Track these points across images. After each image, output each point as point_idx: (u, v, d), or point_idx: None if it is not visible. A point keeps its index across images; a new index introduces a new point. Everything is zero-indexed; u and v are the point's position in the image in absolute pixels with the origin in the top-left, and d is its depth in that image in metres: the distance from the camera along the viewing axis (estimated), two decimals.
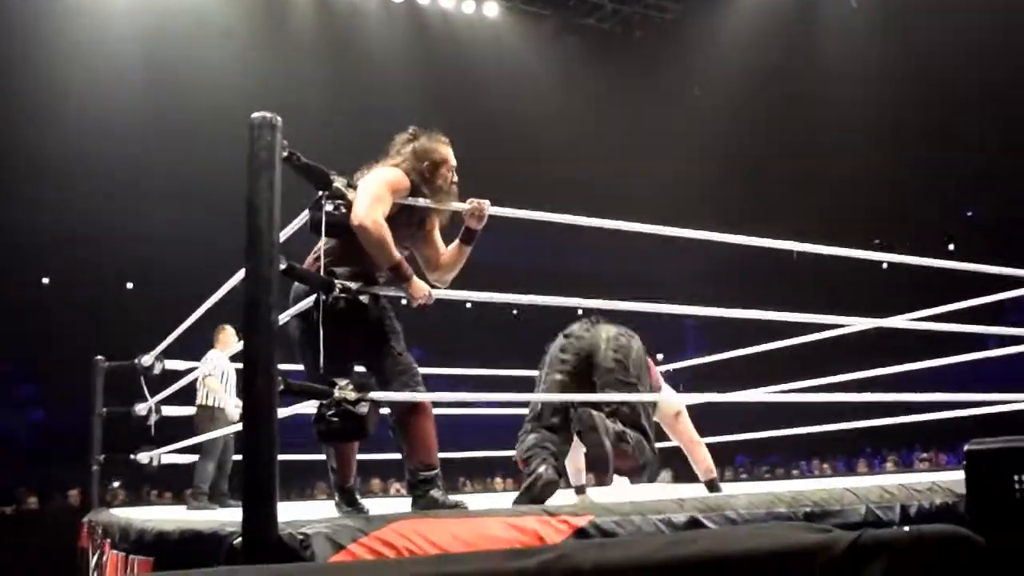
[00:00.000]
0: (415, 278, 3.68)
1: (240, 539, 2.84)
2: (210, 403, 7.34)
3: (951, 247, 15.65)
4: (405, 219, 3.86)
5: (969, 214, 19.15)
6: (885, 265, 17.09)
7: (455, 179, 3.98)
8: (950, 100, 16.44)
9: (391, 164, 3.85)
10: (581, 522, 3.16)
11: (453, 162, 3.97)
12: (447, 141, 4.00)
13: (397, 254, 3.63)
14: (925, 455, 15.01)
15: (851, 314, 5.67)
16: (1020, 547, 1.58)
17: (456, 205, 3.85)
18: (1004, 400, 5.85)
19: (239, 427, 3.13)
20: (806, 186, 18.37)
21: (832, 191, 17.93)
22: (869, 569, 1.47)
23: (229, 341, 7.49)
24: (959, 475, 5.09)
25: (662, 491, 6.13)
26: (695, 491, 4.94)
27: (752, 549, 1.51)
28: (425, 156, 3.89)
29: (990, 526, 1.59)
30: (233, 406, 7.25)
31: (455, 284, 4.18)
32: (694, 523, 3.37)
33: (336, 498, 4.20)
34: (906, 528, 1.53)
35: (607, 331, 4.70)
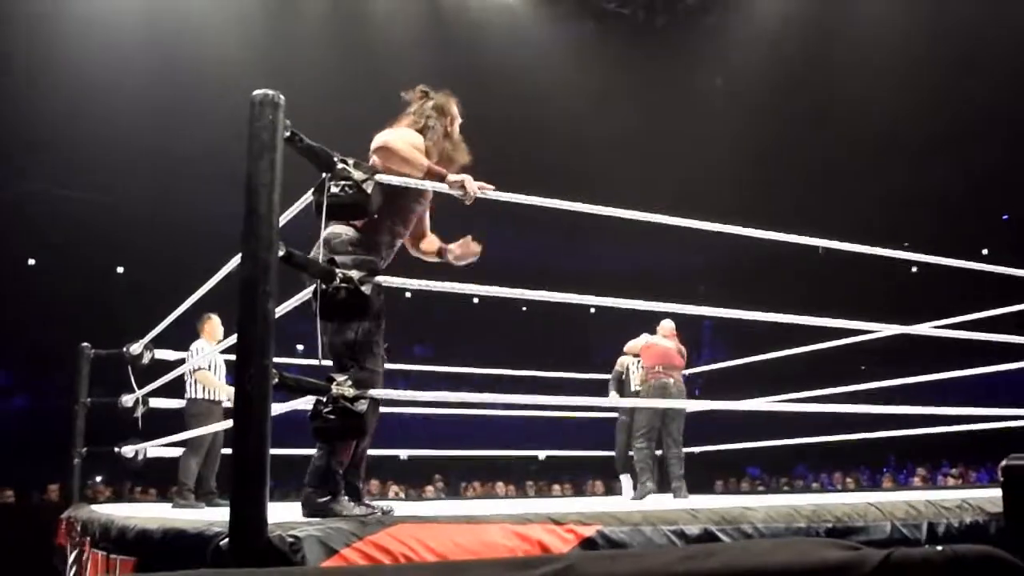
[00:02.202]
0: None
1: (227, 540, 2.82)
2: (200, 396, 7.31)
3: (984, 252, 15.61)
4: (415, 196, 4.01)
5: (1005, 218, 19.07)
6: (914, 269, 17.08)
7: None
8: (987, 98, 16.38)
9: (413, 127, 4.10)
10: (588, 531, 3.15)
11: (460, 119, 4.30)
12: (455, 98, 4.30)
13: (426, 160, 3.90)
14: (953, 470, 14.94)
15: (877, 320, 5.63)
16: None
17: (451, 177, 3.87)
18: None
19: (229, 422, 3.11)
20: (832, 185, 18.31)
21: (859, 191, 17.88)
22: None
23: (215, 332, 7.45)
24: (991, 492, 5.08)
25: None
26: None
27: (773, 565, 1.49)
28: (444, 111, 4.19)
29: None
30: (226, 399, 7.23)
31: (466, 280, 4.17)
32: (708, 536, 3.35)
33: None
34: (939, 548, 1.50)
35: None
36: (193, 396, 7.30)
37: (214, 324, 7.47)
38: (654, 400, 7.66)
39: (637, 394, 8.00)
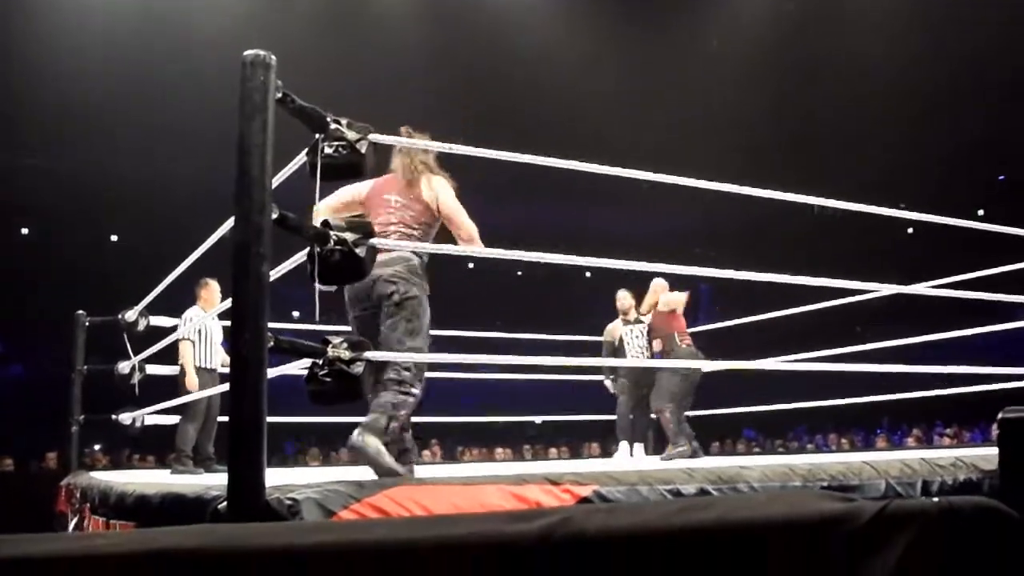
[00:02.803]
0: None
1: (225, 503, 2.83)
2: (192, 364, 7.28)
3: (980, 213, 15.59)
4: None
5: (1001, 179, 19.05)
6: (911, 230, 17.06)
7: None
8: (983, 60, 16.31)
9: (444, 177, 4.52)
10: (585, 491, 3.16)
11: None
12: None
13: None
14: (948, 430, 15.02)
15: (872, 281, 5.63)
16: None
17: None
18: None
19: (226, 387, 3.12)
20: (827, 147, 18.26)
21: (854, 153, 17.83)
22: (896, 541, 1.45)
23: (213, 298, 7.39)
24: (984, 451, 5.10)
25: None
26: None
27: (770, 517, 1.49)
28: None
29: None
30: (220, 366, 7.21)
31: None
32: (703, 495, 3.37)
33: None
34: (935, 499, 1.51)
35: None
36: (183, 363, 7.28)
37: (212, 290, 7.41)
38: (653, 361, 7.68)
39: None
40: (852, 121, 17.56)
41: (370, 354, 3.41)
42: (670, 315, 7.81)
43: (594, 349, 8.40)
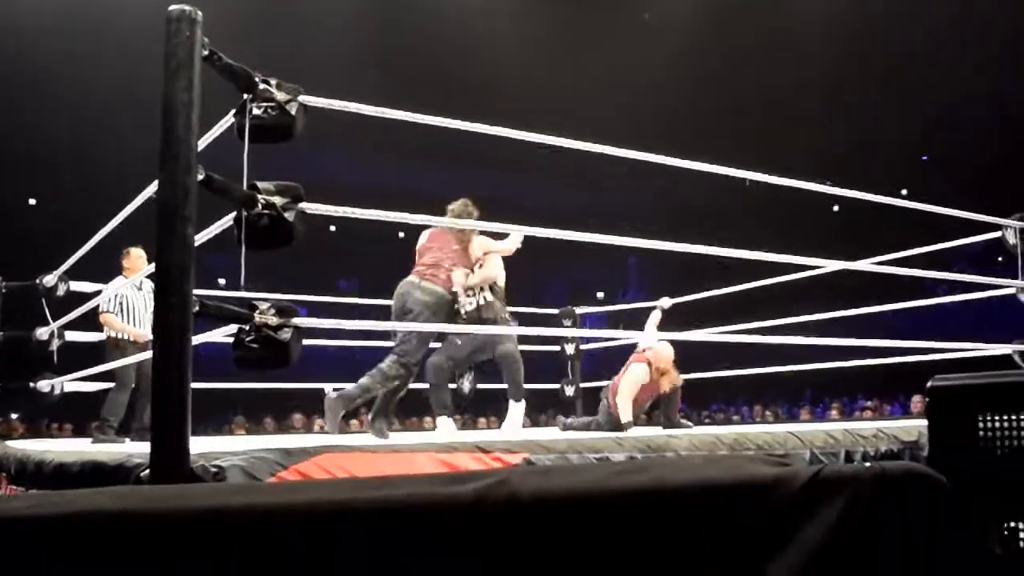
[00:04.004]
0: None
1: (147, 471, 2.77)
2: (115, 335, 7.10)
3: (904, 192, 15.90)
4: None
5: (925, 159, 19.42)
6: (836, 208, 17.33)
7: None
8: (910, 41, 16.58)
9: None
10: (515, 459, 3.16)
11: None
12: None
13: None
14: (869, 403, 15.36)
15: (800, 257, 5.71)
16: (982, 489, 1.59)
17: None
18: (960, 348, 5.94)
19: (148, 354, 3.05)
20: (755, 123, 18.43)
21: (782, 130, 18.03)
22: (830, 504, 1.46)
23: (136, 265, 7.18)
24: (905, 423, 5.22)
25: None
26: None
27: (707, 479, 1.49)
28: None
29: (952, 466, 1.59)
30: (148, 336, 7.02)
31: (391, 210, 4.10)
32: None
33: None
34: (867, 464, 1.52)
35: None
36: (110, 335, 7.11)
37: (134, 258, 7.19)
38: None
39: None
40: (781, 99, 17.73)
41: (298, 320, 3.35)
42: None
43: (520, 319, 8.39)
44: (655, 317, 7.39)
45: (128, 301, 7.06)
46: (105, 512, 1.47)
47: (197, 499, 1.54)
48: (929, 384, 1.69)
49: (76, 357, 7.08)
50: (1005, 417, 1.65)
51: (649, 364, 6.60)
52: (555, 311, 8.85)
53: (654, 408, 7.00)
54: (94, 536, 1.46)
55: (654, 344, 6.66)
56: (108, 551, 1.46)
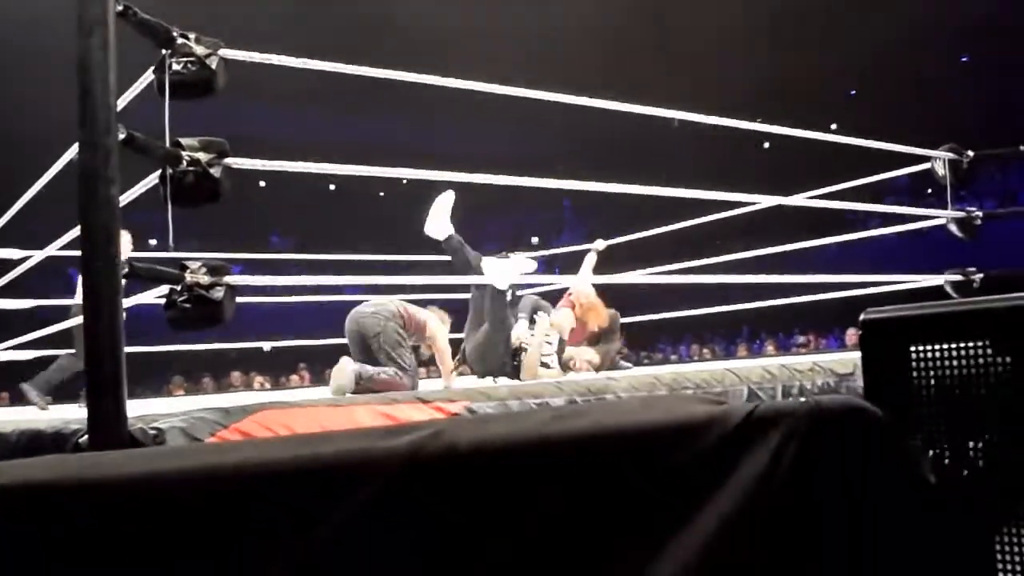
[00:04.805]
0: None
1: (85, 437, 2.73)
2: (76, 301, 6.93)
3: (833, 127, 16.08)
4: None
5: (852, 93, 19.62)
6: (766, 145, 17.45)
7: None
8: None
9: None
10: (455, 408, 3.17)
11: None
12: None
13: None
14: (804, 338, 15.63)
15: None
16: (916, 418, 1.62)
17: None
18: (893, 280, 6.03)
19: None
20: (684, 61, 18.41)
21: (711, 67, 18.04)
22: (765, 441, 1.48)
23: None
24: (839, 356, 5.31)
25: None
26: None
27: (644, 421, 1.51)
28: None
29: (887, 398, 1.62)
30: None
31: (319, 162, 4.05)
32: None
33: None
34: (802, 399, 1.54)
35: None
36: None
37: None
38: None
39: None
40: (709, 36, 17.72)
41: (230, 278, 3.31)
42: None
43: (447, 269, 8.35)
44: (590, 260, 7.39)
45: None
46: (36, 483, 1.45)
47: (126, 466, 1.52)
48: (861, 317, 1.71)
49: (8, 325, 6.93)
50: (937, 347, 1.68)
51: (573, 307, 6.62)
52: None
53: (597, 339, 6.97)
54: (26, 508, 1.44)
55: (578, 285, 6.69)
56: (40, 522, 1.44)
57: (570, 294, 6.73)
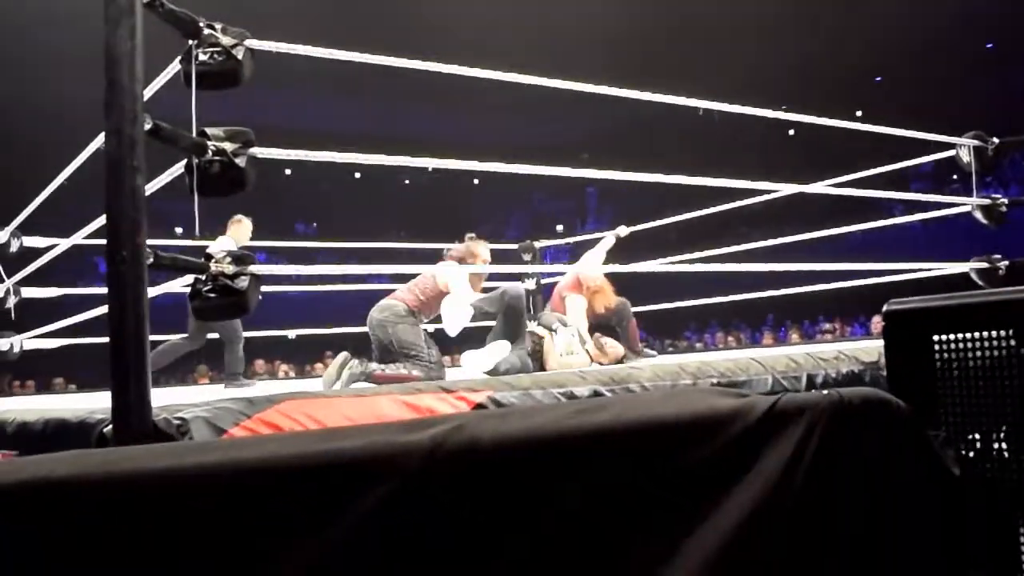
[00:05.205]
0: None
1: (110, 427, 2.75)
2: None
3: (859, 114, 15.97)
4: None
5: (878, 80, 19.46)
6: (792, 132, 17.35)
7: None
8: None
9: None
10: (479, 398, 3.17)
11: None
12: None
13: None
14: (829, 325, 15.54)
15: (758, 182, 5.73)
16: (940, 409, 1.61)
17: None
18: (919, 268, 5.99)
19: None
20: (705, 49, 18.32)
21: (735, 55, 17.94)
22: (788, 434, 1.48)
23: (240, 235, 7.11)
24: (865, 343, 5.28)
25: None
26: None
27: (665, 416, 1.50)
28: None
29: (911, 389, 1.61)
30: None
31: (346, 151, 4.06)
32: (597, 396, 3.41)
33: None
34: (825, 392, 1.53)
35: None
36: None
37: (245, 226, 7.15)
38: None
39: None
40: (735, 23, 17.61)
41: (255, 268, 3.32)
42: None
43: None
44: (606, 243, 7.29)
45: None
46: (56, 479, 1.45)
47: (149, 460, 1.53)
48: (884, 308, 1.71)
49: (34, 314, 6.98)
50: (960, 337, 1.67)
51: (581, 288, 6.59)
52: (515, 246, 8.83)
53: (597, 331, 6.92)
54: (47, 503, 1.44)
55: (583, 271, 6.65)
56: (62, 517, 1.45)
57: (577, 277, 6.69)
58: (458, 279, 5.31)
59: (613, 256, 7.29)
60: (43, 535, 1.44)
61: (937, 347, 1.65)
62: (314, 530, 1.52)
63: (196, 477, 1.47)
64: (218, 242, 7.04)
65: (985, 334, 1.63)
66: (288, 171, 16.84)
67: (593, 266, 6.66)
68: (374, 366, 5.05)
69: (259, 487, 1.50)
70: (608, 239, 7.32)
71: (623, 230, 7.45)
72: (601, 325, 6.75)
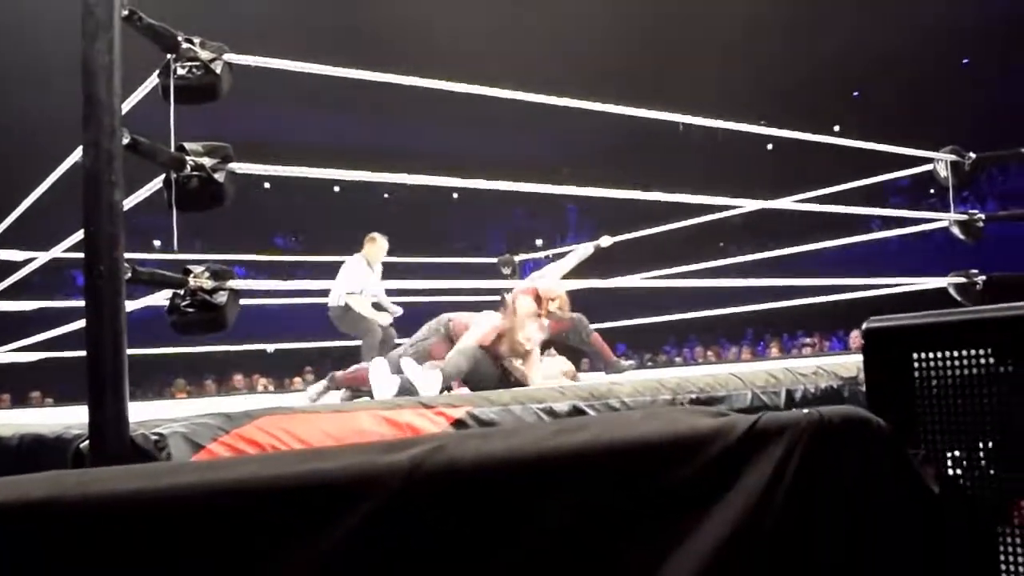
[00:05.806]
0: None
1: (87, 443, 2.72)
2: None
3: (836, 129, 16.06)
4: None
5: (856, 95, 19.61)
6: (770, 147, 17.44)
7: None
8: None
9: None
10: (458, 413, 3.15)
11: None
12: None
13: None
14: (809, 340, 15.59)
15: (737, 198, 5.75)
16: (919, 426, 1.61)
17: None
18: (897, 283, 6.02)
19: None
20: (685, 64, 18.40)
21: (714, 70, 18.03)
22: (768, 453, 1.47)
23: (375, 254, 7.07)
24: (843, 359, 5.29)
25: None
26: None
27: (645, 435, 1.50)
28: None
29: (890, 406, 1.61)
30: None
31: (325, 166, 4.05)
32: (576, 412, 3.40)
33: None
34: (805, 411, 1.53)
35: None
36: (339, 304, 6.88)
37: (376, 247, 7.12)
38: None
39: None
40: (711, 39, 17.71)
41: (233, 283, 3.30)
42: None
43: (458, 270, 8.34)
44: (582, 251, 7.15)
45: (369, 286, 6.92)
46: (32, 500, 1.43)
47: (123, 481, 1.51)
48: (864, 326, 1.71)
49: (10, 327, 6.92)
50: (939, 355, 1.67)
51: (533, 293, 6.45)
52: (494, 260, 8.83)
53: (549, 345, 6.65)
54: (23, 526, 1.42)
55: (542, 283, 6.52)
56: (38, 541, 1.42)
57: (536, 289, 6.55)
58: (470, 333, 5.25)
59: (592, 271, 7.27)
60: (16, 558, 1.42)
61: (916, 365, 1.65)
62: (297, 549, 1.50)
63: (173, 499, 1.46)
64: (352, 259, 7.02)
65: (964, 352, 1.64)
66: (267, 185, 16.79)
67: (554, 278, 6.59)
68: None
69: (237, 508, 1.49)
70: (584, 249, 7.20)
71: (606, 240, 7.43)
72: (556, 343, 6.66)
